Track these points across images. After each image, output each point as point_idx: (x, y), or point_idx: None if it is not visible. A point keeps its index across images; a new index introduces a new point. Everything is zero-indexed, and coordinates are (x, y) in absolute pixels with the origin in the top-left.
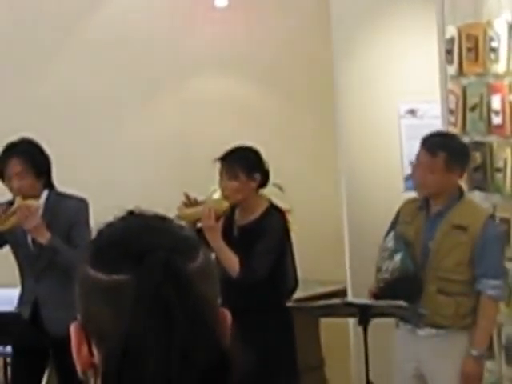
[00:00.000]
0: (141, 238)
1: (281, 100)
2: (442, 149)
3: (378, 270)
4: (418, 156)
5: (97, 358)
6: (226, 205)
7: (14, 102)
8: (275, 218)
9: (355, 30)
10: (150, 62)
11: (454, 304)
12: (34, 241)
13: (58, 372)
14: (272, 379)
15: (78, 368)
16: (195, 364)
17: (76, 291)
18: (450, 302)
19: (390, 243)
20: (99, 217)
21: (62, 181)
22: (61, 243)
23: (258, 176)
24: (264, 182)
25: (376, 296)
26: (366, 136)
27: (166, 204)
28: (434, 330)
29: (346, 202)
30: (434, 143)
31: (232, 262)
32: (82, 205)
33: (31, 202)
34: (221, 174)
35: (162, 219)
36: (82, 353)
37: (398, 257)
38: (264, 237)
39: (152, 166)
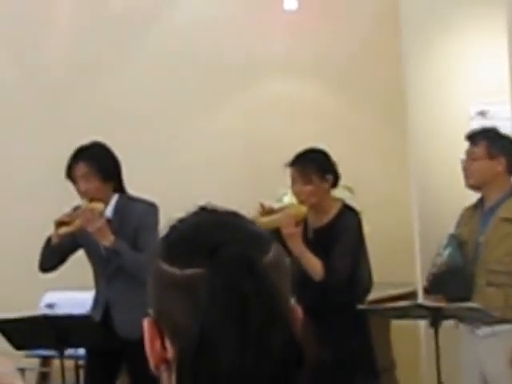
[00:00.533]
0: (214, 232)
1: (351, 102)
2: (483, 137)
3: (432, 266)
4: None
5: (170, 353)
6: (304, 210)
7: (86, 108)
8: (350, 217)
9: (425, 31)
10: (220, 66)
11: (502, 295)
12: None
13: (131, 374)
14: (350, 379)
15: (151, 363)
16: (270, 357)
17: (149, 286)
18: (499, 294)
19: (443, 241)
20: (167, 215)
21: (133, 187)
22: (125, 247)
23: (330, 177)
24: (335, 182)
25: (426, 290)
26: (436, 138)
27: (236, 209)
28: (489, 329)
29: (416, 204)
30: (476, 133)
31: (315, 265)
32: (150, 209)
33: (95, 205)
34: (293, 179)
35: (234, 214)
36: (155, 348)
37: (446, 252)
38: (341, 237)
39: (220, 170)
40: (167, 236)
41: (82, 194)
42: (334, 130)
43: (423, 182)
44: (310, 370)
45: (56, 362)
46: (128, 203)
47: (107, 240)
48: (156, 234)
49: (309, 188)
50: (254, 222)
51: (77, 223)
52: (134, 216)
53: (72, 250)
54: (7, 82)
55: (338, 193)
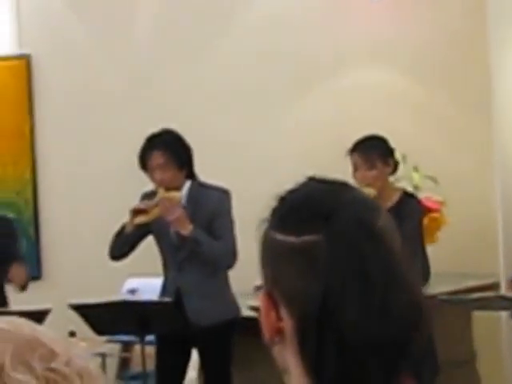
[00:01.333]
0: (328, 198)
1: (434, 91)
2: None
3: None
4: None
5: (287, 322)
6: (374, 192)
7: (166, 96)
8: (413, 203)
9: None
10: (307, 56)
11: None
12: (176, 232)
13: (202, 361)
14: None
15: (266, 334)
16: (394, 319)
17: (261, 258)
18: None
19: None
20: (256, 204)
21: (217, 168)
22: (203, 234)
23: (391, 162)
24: (395, 167)
25: (510, 281)
26: None
27: None
28: None
29: (500, 195)
30: None
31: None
32: (224, 196)
33: (173, 194)
34: (356, 166)
35: (343, 183)
36: (270, 318)
37: None
38: (404, 223)
39: (307, 162)
40: (278, 207)
41: (158, 182)
42: (422, 120)
43: (507, 172)
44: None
45: (137, 348)
46: (201, 190)
47: (186, 229)
48: (231, 220)
49: (373, 173)
50: (361, 189)
51: (155, 212)
52: (209, 203)
53: (142, 237)
54: (91, 70)
55: (420, 182)
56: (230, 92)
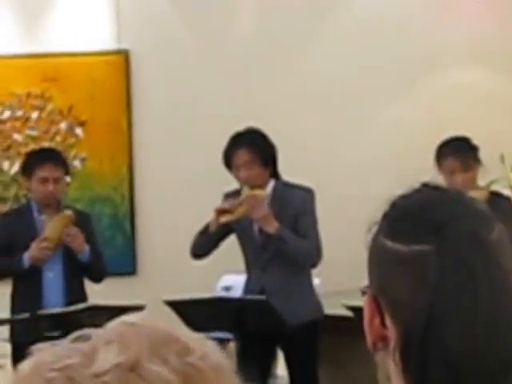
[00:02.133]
0: (440, 208)
1: None
2: None
3: None
4: None
5: (390, 330)
6: (484, 195)
7: (262, 91)
8: (504, 203)
9: None
10: (404, 52)
11: None
12: (260, 231)
13: (289, 360)
14: None
15: (369, 340)
16: (500, 335)
17: (369, 263)
18: None
19: None
20: (343, 205)
21: (304, 168)
22: (289, 233)
23: (479, 161)
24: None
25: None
26: None
27: None
28: None
29: None
30: None
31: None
32: (309, 195)
33: (259, 192)
34: (452, 169)
35: (457, 192)
36: (374, 325)
37: None
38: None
39: (398, 163)
40: (389, 213)
41: (244, 181)
42: None
43: None
44: None
45: (232, 345)
46: (285, 189)
47: (272, 227)
48: (315, 218)
49: (470, 174)
50: (476, 200)
51: (240, 211)
52: (294, 202)
53: (225, 237)
54: (189, 68)
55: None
56: (323, 92)
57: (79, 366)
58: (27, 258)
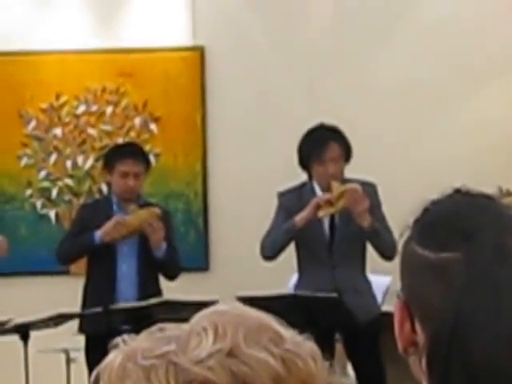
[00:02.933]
0: (470, 216)
1: None
2: None
3: None
4: None
5: (420, 336)
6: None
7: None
8: None
9: None
10: (476, 53)
11: None
12: (331, 229)
13: (354, 357)
14: None
15: (400, 345)
16: None
17: (400, 266)
18: None
19: None
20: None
21: (376, 166)
22: (379, 226)
23: None
24: None
25: None
26: None
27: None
28: None
29: None
30: None
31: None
32: (375, 189)
33: (354, 185)
34: None
35: (490, 198)
36: (404, 330)
37: None
38: None
39: (475, 162)
40: (421, 218)
41: (332, 175)
42: None
43: None
44: None
45: None
46: None
47: (367, 220)
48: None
49: None
50: (509, 207)
51: (340, 204)
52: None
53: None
54: (263, 66)
55: None
56: (399, 92)
57: (178, 352)
58: (99, 233)
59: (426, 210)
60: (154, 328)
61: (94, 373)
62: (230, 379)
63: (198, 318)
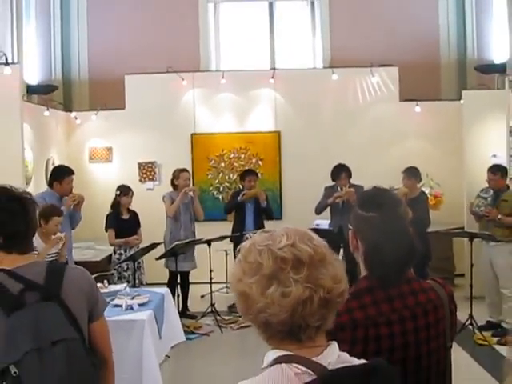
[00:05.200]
0: (380, 195)
1: None
2: None
3: None
4: None
5: (360, 246)
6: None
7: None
8: None
9: None
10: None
11: (500, 230)
12: (342, 204)
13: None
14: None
15: (352, 249)
16: (400, 249)
17: (352, 219)
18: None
19: None
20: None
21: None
22: None
23: None
24: None
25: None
26: None
27: None
28: (494, 243)
29: None
30: None
31: None
32: (361, 189)
33: (352, 190)
34: None
35: (387, 190)
36: (353, 243)
37: None
38: None
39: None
40: (361, 197)
41: (342, 184)
42: None
43: None
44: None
45: None
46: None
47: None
48: None
49: None
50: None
51: (345, 197)
52: None
53: None
54: None
55: None
56: (365, 146)
57: (272, 244)
58: (239, 198)
59: (364, 193)
60: (263, 230)
61: (237, 249)
62: (293, 257)
63: (281, 229)
